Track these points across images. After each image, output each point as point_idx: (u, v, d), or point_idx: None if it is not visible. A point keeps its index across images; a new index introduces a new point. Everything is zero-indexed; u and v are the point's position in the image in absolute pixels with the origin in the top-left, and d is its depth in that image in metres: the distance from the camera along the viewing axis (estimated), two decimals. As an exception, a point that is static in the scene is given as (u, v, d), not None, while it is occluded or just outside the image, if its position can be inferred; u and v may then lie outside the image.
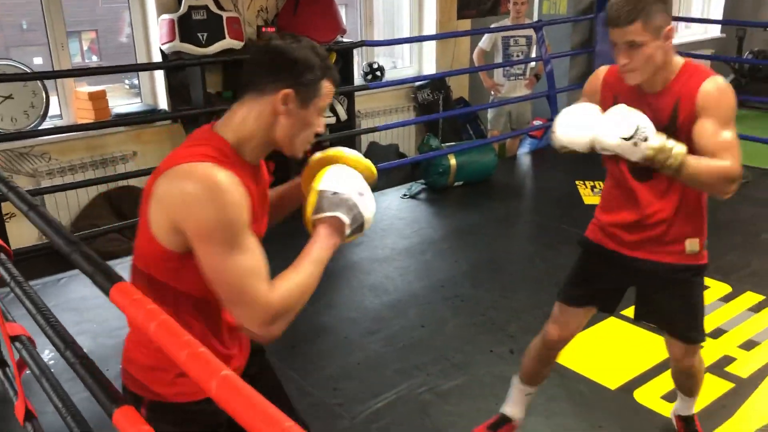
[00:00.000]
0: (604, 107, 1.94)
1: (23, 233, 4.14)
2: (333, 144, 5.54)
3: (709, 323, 3.24)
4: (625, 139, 1.78)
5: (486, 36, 5.68)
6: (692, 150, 1.85)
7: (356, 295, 3.60)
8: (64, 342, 1.52)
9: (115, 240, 4.48)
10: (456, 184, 5.18)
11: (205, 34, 4.66)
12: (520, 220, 4.78)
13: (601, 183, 4.58)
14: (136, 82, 5.36)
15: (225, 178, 1.28)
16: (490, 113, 5.92)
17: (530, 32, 5.58)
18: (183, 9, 4.62)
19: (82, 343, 1.58)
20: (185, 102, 4.28)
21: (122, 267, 3.85)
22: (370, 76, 6.03)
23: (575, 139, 1.89)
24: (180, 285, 1.38)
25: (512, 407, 2.40)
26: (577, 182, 5.14)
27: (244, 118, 1.38)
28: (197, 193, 1.26)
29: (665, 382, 2.79)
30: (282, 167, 4.50)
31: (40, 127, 4.42)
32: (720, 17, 9.22)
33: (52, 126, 4.58)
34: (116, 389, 1.27)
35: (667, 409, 2.64)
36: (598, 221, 2.17)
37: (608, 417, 2.64)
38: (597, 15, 5.75)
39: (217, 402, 0.86)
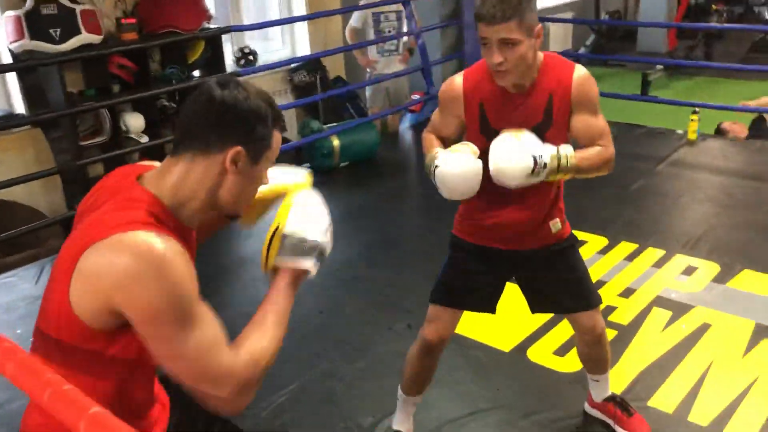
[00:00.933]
0: (469, 116, 1.95)
1: None
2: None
3: (591, 276, 3.43)
4: (529, 175, 1.81)
5: (356, 13, 5.66)
6: (565, 138, 1.93)
7: (249, 290, 3.53)
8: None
9: (-19, 259, 4.15)
10: (341, 164, 5.16)
11: (59, 30, 4.33)
12: (408, 196, 4.84)
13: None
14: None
15: (169, 248, 1.14)
16: (368, 91, 5.92)
17: (400, 7, 5.61)
18: (29, 4, 4.26)
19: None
20: (43, 105, 3.99)
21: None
22: (242, 62, 5.87)
23: (467, 193, 1.90)
24: (106, 358, 1.22)
25: (402, 423, 2.35)
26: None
27: (184, 178, 1.25)
28: (139, 271, 1.11)
29: (554, 338, 2.93)
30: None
31: None
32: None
33: None
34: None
35: (558, 364, 2.78)
36: (470, 220, 2.12)
37: (505, 379, 2.74)
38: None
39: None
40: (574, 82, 1.88)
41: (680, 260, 3.53)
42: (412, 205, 4.68)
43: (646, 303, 3.17)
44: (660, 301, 3.18)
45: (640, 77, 7.50)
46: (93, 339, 1.19)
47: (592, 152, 1.93)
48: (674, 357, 2.79)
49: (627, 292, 3.28)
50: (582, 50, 9.07)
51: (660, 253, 3.62)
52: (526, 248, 2.08)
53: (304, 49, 6.37)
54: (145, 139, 4.79)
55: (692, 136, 5.28)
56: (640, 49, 9.61)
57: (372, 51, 5.71)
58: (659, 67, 7.79)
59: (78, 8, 4.43)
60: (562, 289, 2.13)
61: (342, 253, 3.90)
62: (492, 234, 2.07)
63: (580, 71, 1.91)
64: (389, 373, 2.77)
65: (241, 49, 5.89)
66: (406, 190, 4.98)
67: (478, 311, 2.21)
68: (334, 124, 5.40)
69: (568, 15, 9.22)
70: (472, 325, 2.98)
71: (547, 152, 1.83)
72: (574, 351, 2.79)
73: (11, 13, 4.28)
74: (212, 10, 5.33)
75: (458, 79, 2.01)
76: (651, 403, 2.54)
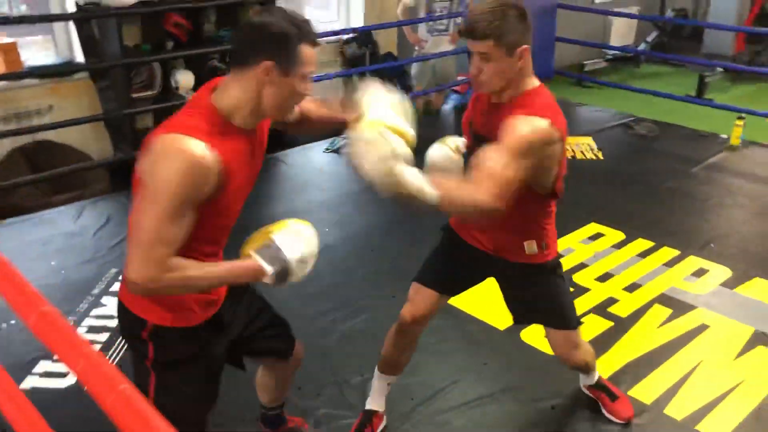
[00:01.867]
0: (467, 114, 2.06)
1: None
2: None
3: (599, 269, 3.48)
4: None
5: (410, -9, 5.72)
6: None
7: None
8: None
9: (31, 195, 4.44)
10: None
11: (121, -15, 4.57)
12: (437, 173, 4.92)
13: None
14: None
15: (194, 154, 1.40)
16: (414, 68, 5.99)
17: (453, -13, 5.64)
18: (96, -42, 4.51)
19: None
20: (97, 55, 4.23)
21: (36, 222, 3.88)
22: (296, 30, 6.02)
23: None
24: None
25: (375, 400, 2.40)
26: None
27: (233, 89, 1.50)
28: (160, 160, 1.42)
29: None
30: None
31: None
32: (647, -26, 9.41)
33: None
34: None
35: (549, 347, 2.85)
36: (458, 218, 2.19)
37: (495, 354, 2.83)
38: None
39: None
40: (510, 116, 1.79)
41: (693, 262, 3.54)
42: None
43: (649, 299, 3.21)
44: (663, 299, 3.21)
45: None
46: None
47: (464, 191, 1.71)
48: (665, 352, 2.83)
49: (632, 287, 3.31)
50: (642, 46, 8.87)
51: (674, 253, 3.62)
52: (502, 257, 2.11)
53: (357, 23, 6.48)
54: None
55: (735, 141, 5.18)
56: (706, 50, 9.32)
57: (422, 30, 5.77)
58: (719, 69, 7.58)
59: (140, -35, 4.64)
60: (537, 304, 2.20)
61: (363, 222, 4.05)
62: (471, 231, 2.14)
63: (528, 116, 1.77)
64: (382, 336, 2.90)
65: (296, 18, 6.05)
66: (438, 168, 5.06)
67: (443, 293, 2.22)
68: (375, 97, 5.49)
69: (634, 10, 9.02)
70: (470, 300, 3.08)
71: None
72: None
73: (78, -36, 4.52)
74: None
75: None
76: (631, 392, 2.60)
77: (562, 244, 3.43)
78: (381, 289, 3.29)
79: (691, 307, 3.14)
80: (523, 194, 1.81)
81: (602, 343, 2.86)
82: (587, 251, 3.64)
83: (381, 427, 2.40)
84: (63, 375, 2.65)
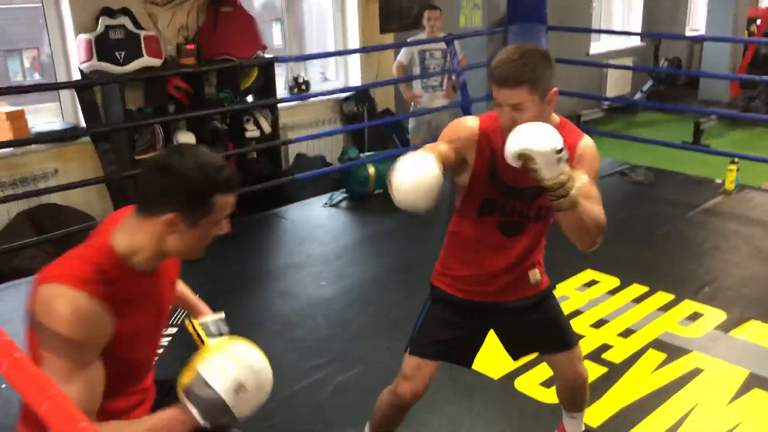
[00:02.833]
0: (479, 159, 1.90)
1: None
2: (258, 155, 5.68)
3: (594, 315, 3.49)
4: (557, 151, 1.66)
5: (403, 50, 5.91)
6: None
7: (266, 301, 3.74)
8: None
9: (36, 257, 4.53)
10: (376, 192, 5.36)
11: (123, 53, 4.77)
12: (435, 225, 4.95)
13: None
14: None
15: (85, 310, 1.33)
16: (411, 123, 6.13)
17: (445, 45, 5.82)
18: (100, 28, 4.72)
19: None
20: (98, 120, 4.38)
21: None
22: (296, 90, 6.20)
23: (418, 201, 1.73)
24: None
25: None
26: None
27: (135, 232, 1.41)
28: (51, 318, 1.33)
29: (545, 370, 3.00)
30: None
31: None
32: (639, 27, 9.66)
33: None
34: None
35: (543, 395, 2.85)
36: (449, 274, 2.11)
37: (488, 404, 2.83)
38: (508, 27, 6.01)
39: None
40: (579, 144, 1.90)
41: (688, 306, 3.54)
42: (436, 233, 4.75)
43: (643, 344, 3.20)
44: (657, 344, 3.21)
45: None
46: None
47: (592, 206, 1.80)
48: (658, 397, 2.82)
49: (626, 333, 3.32)
50: (638, 96, 9.03)
51: (669, 297, 3.63)
52: (503, 300, 2.07)
53: (355, 82, 6.67)
54: (193, 156, 5.13)
55: (729, 186, 5.23)
56: (702, 97, 9.49)
57: (417, 86, 5.93)
58: (713, 116, 7.69)
59: (142, 34, 4.86)
60: (538, 332, 2.15)
61: (359, 274, 4.10)
62: (470, 287, 2.07)
63: (587, 140, 1.93)
64: (377, 388, 2.91)
65: (295, 78, 6.24)
66: (434, 218, 5.06)
67: (457, 364, 2.19)
68: (372, 153, 5.62)
69: (628, 61, 9.23)
70: (465, 350, 3.09)
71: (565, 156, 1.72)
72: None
73: (84, 36, 4.73)
74: (278, 41, 5.68)
75: (473, 122, 1.96)
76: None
77: (558, 291, 3.45)
78: (376, 341, 3.31)
79: (686, 351, 3.14)
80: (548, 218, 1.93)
81: (596, 390, 2.85)
82: (582, 298, 3.66)
83: None
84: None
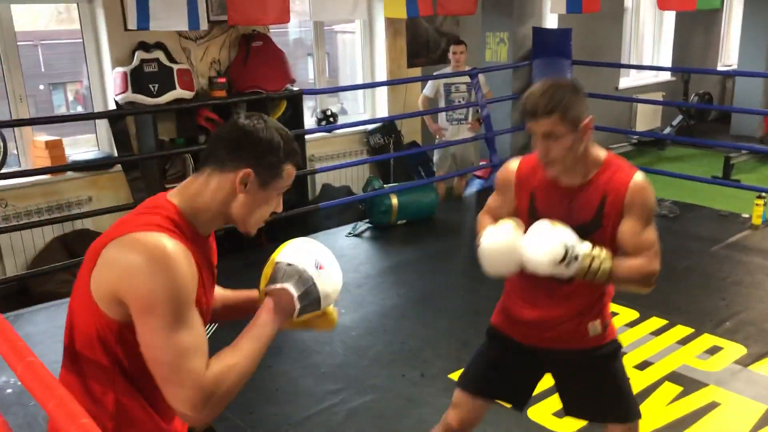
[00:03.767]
0: (519, 202, 1.95)
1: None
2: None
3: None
4: (557, 264, 1.74)
5: (429, 83, 6.03)
6: (612, 245, 1.86)
7: (285, 327, 3.80)
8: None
9: (68, 281, 4.68)
10: (399, 222, 5.43)
11: (156, 85, 4.96)
12: (455, 256, 5.02)
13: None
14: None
15: (175, 249, 1.26)
16: (435, 155, 6.22)
17: (470, 79, 5.92)
18: (135, 62, 4.92)
19: None
20: (128, 149, 4.56)
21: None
22: (324, 122, 6.35)
23: (504, 269, 1.87)
24: (117, 359, 1.33)
25: None
26: (514, 219, 5.41)
27: (201, 190, 1.37)
28: (143, 265, 1.23)
29: (558, 400, 2.99)
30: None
31: (-3, 175, 4.67)
32: (669, 61, 9.66)
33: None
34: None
35: (555, 424, 2.85)
36: (507, 313, 2.11)
37: (498, 431, 2.84)
38: (533, 61, 6.10)
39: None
40: (630, 188, 1.85)
41: (707, 340, 3.51)
42: (457, 265, 4.85)
43: (659, 377, 3.18)
44: (674, 377, 3.18)
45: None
46: (108, 328, 1.30)
47: (632, 263, 1.83)
48: (673, 430, 2.80)
49: (643, 365, 3.30)
50: (667, 130, 8.99)
51: (688, 330, 3.60)
52: (561, 348, 2.03)
53: (382, 115, 6.80)
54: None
55: (756, 221, 5.17)
56: (734, 132, 9.41)
57: (442, 119, 6.04)
58: (743, 151, 7.62)
59: (175, 67, 5.05)
60: (596, 397, 2.05)
61: (378, 303, 4.15)
62: (527, 330, 2.04)
63: (638, 177, 1.87)
64: (390, 415, 2.96)
65: (323, 111, 6.39)
66: (456, 250, 5.16)
67: (506, 402, 2.19)
68: (395, 183, 5.71)
69: (658, 95, 9.22)
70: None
71: (581, 246, 1.78)
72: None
73: (120, 69, 4.94)
74: (310, 75, 5.84)
75: (513, 165, 2.03)
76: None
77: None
78: (391, 369, 3.35)
79: (703, 385, 3.11)
80: None
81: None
82: (600, 330, 3.64)
83: None
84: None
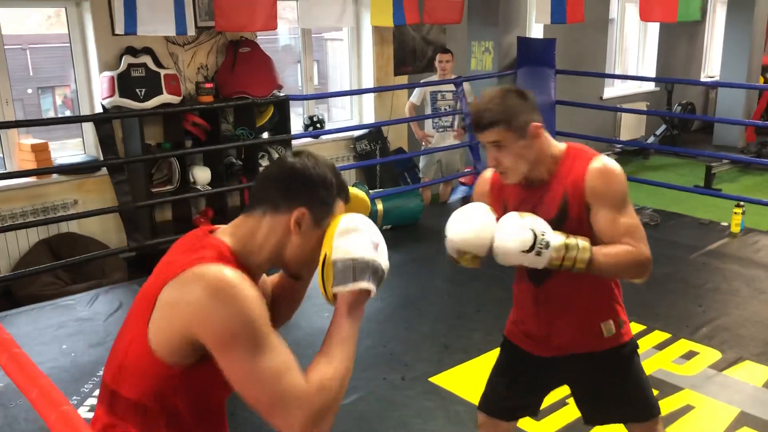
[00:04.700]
0: (494, 209, 1.89)
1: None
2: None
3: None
4: (526, 251, 1.70)
5: (416, 91, 6.10)
6: (593, 237, 1.80)
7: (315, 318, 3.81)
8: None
9: (51, 284, 4.69)
10: (384, 227, 5.47)
11: (144, 90, 4.99)
12: (439, 261, 5.06)
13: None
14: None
15: (238, 277, 1.23)
16: (421, 162, 6.28)
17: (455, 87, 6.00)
18: (123, 67, 4.95)
19: None
20: (113, 153, 4.58)
21: (52, 308, 4.10)
22: (311, 128, 6.39)
23: (474, 243, 1.78)
24: (173, 410, 1.30)
25: None
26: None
27: (254, 232, 1.34)
28: (212, 298, 1.20)
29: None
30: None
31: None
32: (654, 71, 9.79)
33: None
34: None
35: (532, 427, 2.89)
36: (517, 325, 2.08)
37: (477, 434, 2.88)
38: (518, 70, 6.18)
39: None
40: (588, 175, 1.82)
41: (683, 345, 3.57)
42: (441, 270, 4.90)
43: (636, 381, 3.23)
44: (650, 381, 3.22)
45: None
46: (166, 377, 1.26)
47: (615, 249, 1.76)
48: (647, 433, 2.84)
49: None
50: (651, 139, 9.11)
51: (665, 336, 3.66)
52: (576, 353, 1.98)
53: (370, 121, 6.85)
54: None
55: (735, 229, 5.26)
56: (716, 142, 9.55)
57: (428, 126, 6.10)
58: (725, 161, 7.74)
59: (162, 72, 5.08)
60: (614, 398, 2.02)
61: (361, 307, 4.18)
62: (538, 341, 2.01)
63: (596, 163, 1.83)
64: (370, 417, 2.99)
65: (311, 117, 6.43)
66: (440, 255, 5.17)
67: (520, 417, 2.19)
68: (381, 189, 5.76)
69: (642, 105, 9.34)
70: (457, 380, 3.16)
71: (553, 235, 1.72)
72: (551, 416, 2.93)
73: (107, 73, 4.97)
74: (299, 80, 5.89)
75: (487, 174, 2.05)
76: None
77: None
78: (372, 371, 3.38)
79: (678, 389, 3.16)
80: None
81: (583, 426, 2.89)
82: (579, 335, 3.70)
83: None
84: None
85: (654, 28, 9.75)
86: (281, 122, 5.81)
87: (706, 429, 2.88)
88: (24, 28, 9.21)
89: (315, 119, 6.43)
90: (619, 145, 8.77)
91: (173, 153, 5.14)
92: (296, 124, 6.32)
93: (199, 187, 5.35)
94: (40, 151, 4.89)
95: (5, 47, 4.86)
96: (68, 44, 5.18)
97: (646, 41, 9.94)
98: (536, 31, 7.98)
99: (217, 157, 5.48)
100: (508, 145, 1.81)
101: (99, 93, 5.08)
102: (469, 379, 3.22)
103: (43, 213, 4.93)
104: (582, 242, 1.74)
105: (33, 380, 1.11)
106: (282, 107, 5.76)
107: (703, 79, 10.89)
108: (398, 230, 5.51)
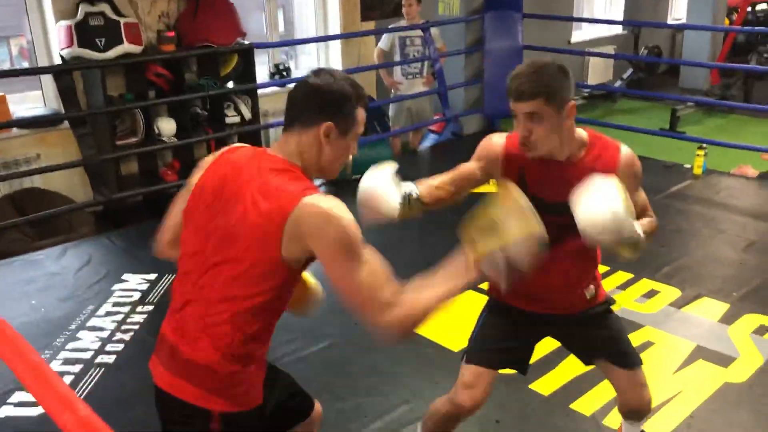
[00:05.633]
0: (508, 177, 1.93)
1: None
2: (239, 140, 5.79)
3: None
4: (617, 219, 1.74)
5: (384, 37, 6.02)
6: None
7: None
8: None
9: (18, 240, 4.63)
10: (354, 177, 5.46)
11: (103, 40, 4.84)
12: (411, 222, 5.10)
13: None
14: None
15: (339, 205, 1.49)
16: (391, 110, 6.25)
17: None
18: (80, 15, 4.79)
19: None
20: (74, 105, 4.47)
21: (21, 264, 4.06)
22: (277, 76, 6.30)
23: (372, 205, 1.95)
24: (272, 299, 1.56)
25: None
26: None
27: (301, 149, 1.57)
28: (329, 223, 1.45)
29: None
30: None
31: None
32: (621, 15, 9.77)
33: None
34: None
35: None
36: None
37: (446, 374, 2.93)
38: (485, 14, 6.12)
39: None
40: (621, 162, 1.94)
41: (645, 284, 3.69)
42: (412, 219, 4.94)
43: (599, 320, 3.34)
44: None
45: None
46: (283, 275, 1.53)
47: (650, 221, 2.02)
48: (608, 369, 2.96)
49: (633, 326, 3.35)
50: (618, 83, 9.15)
51: (628, 276, 3.77)
52: (558, 312, 2.10)
53: (336, 68, 6.77)
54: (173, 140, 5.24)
55: (697, 171, 5.37)
56: (682, 85, 9.62)
57: (397, 73, 6.04)
58: (690, 103, 7.83)
59: (122, 21, 4.93)
60: (598, 344, 2.14)
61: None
62: (525, 298, 2.08)
63: (625, 150, 1.97)
64: (342, 362, 3.06)
65: (276, 65, 6.33)
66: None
67: (512, 369, 2.21)
68: (350, 138, 5.73)
69: (610, 48, 9.34)
70: (431, 326, 3.22)
71: (637, 225, 1.83)
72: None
73: (64, 22, 4.81)
74: (264, 28, 5.75)
75: (499, 139, 2.04)
76: (573, 405, 2.73)
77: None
78: (344, 318, 3.42)
79: (639, 326, 3.28)
80: None
81: (548, 362, 3.00)
82: (545, 277, 3.79)
83: None
84: (35, 404, 2.79)
85: (622, -30, 9.68)
86: (246, 71, 5.71)
87: (664, 363, 3.01)
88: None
89: (281, 67, 6.34)
90: (587, 89, 8.80)
91: (137, 104, 5.04)
92: (262, 73, 6.22)
93: (164, 138, 5.27)
94: (-2, 104, 4.76)
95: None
96: (21, -8, 4.99)
97: (614, -16, 9.89)
98: (504, -26, 7.87)
99: (182, 107, 5.38)
100: (544, 119, 1.82)
101: (57, 43, 4.93)
102: (439, 322, 3.28)
103: (5, 168, 4.83)
104: (638, 225, 1.84)
105: (21, 355, 1.13)
106: (247, 55, 5.64)
107: (669, 21, 10.90)
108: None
